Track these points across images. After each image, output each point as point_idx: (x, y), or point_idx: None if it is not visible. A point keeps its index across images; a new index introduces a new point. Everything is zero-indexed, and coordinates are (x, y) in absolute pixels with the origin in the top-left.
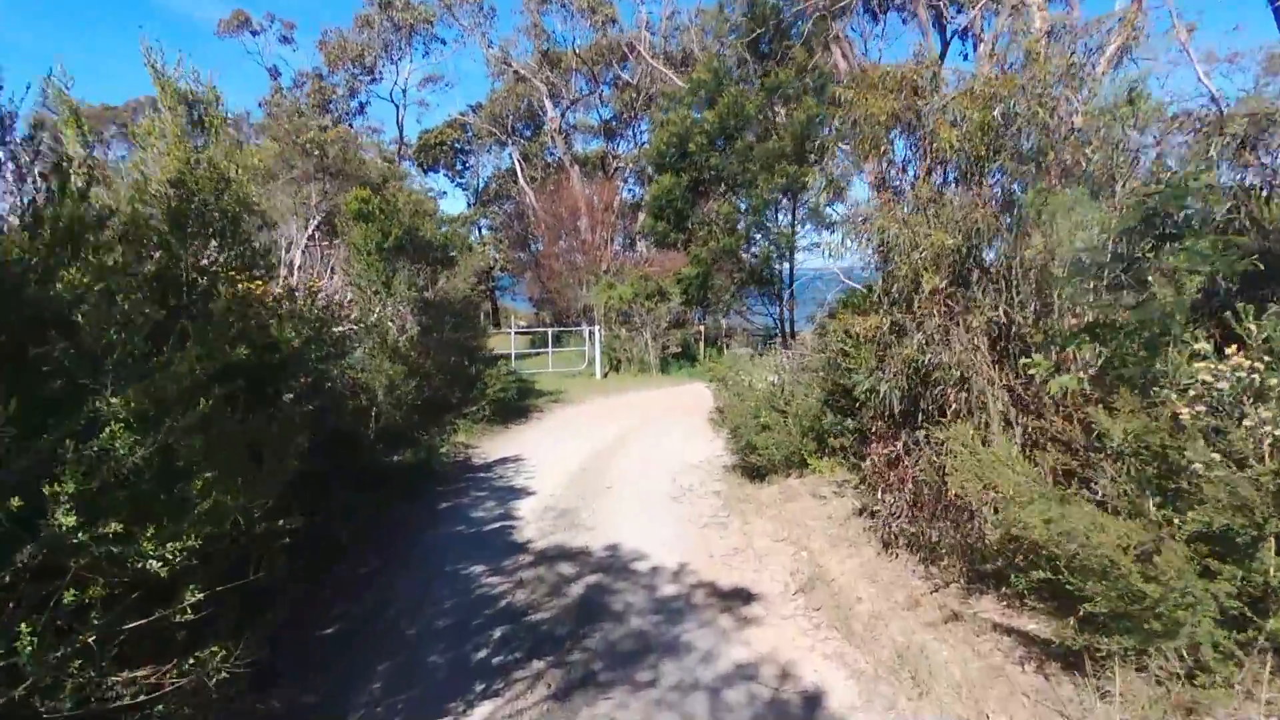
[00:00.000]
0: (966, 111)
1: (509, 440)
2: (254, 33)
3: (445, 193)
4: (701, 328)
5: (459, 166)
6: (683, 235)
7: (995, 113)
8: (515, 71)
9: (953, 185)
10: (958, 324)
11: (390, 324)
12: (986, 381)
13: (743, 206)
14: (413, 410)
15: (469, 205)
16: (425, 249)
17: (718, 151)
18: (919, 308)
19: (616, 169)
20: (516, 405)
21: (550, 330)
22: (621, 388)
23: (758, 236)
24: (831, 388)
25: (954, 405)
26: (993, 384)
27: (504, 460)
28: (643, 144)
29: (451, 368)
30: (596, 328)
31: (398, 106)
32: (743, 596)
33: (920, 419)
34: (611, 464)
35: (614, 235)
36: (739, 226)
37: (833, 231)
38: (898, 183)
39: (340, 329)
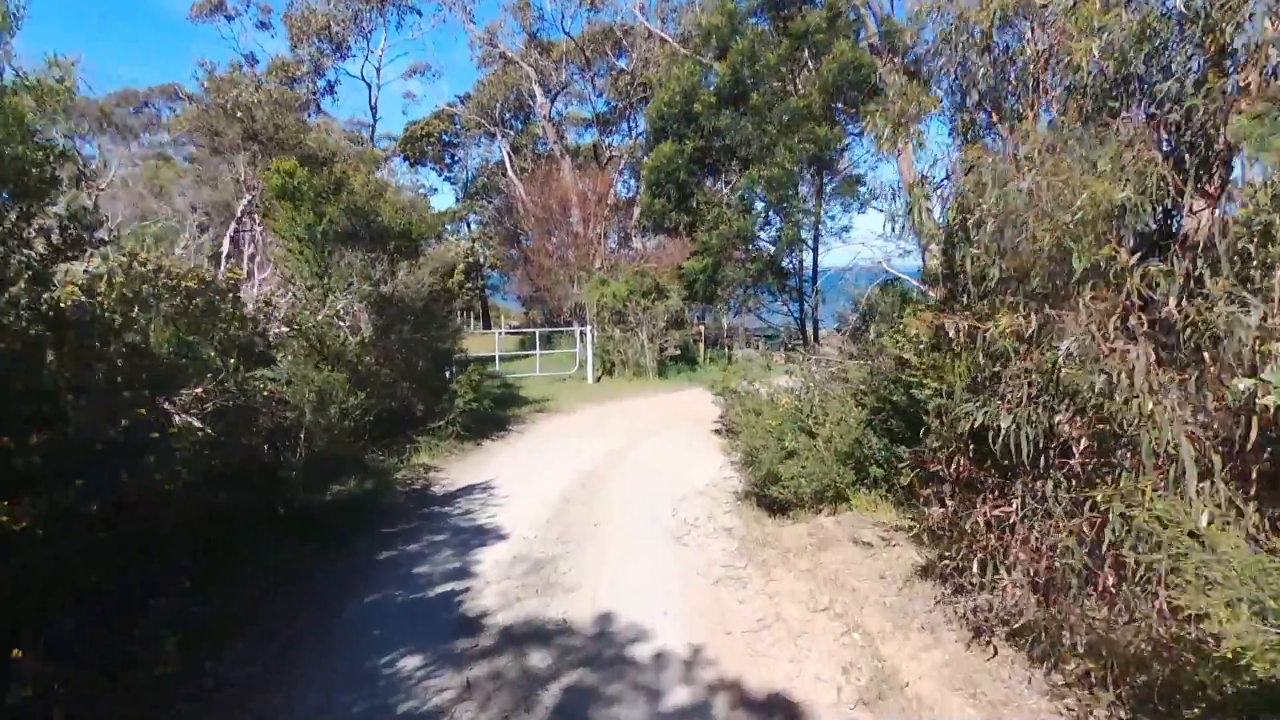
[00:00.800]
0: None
1: (481, 461)
2: (228, 18)
3: (436, 189)
4: (701, 328)
5: (447, 160)
6: (685, 217)
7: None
8: (502, 54)
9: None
10: (1130, 324)
11: (339, 324)
12: (1179, 411)
13: (750, 193)
14: (360, 429)
15: (457, 200)
16: (382, 236)
17: (730, 113)
18: (1066, 298)
19: (611, 159)
20: (495, 416)
21: (538, 331)
22: (615, 394)
23: (776, 219)
24: (877, 404)
25: (1121, 448)
26: (1183, 416)
27: (471, 489)
28: (639, 135)
29: (416, 375)
30: (588, 328)
31: (370, 85)
32: (782, 710)
33: (1046, 462)
34: (601, 491)
35: (608, 230)
36: (754, 208)
37: (863, 209)
38: (988, 122)
39: (259, 327)
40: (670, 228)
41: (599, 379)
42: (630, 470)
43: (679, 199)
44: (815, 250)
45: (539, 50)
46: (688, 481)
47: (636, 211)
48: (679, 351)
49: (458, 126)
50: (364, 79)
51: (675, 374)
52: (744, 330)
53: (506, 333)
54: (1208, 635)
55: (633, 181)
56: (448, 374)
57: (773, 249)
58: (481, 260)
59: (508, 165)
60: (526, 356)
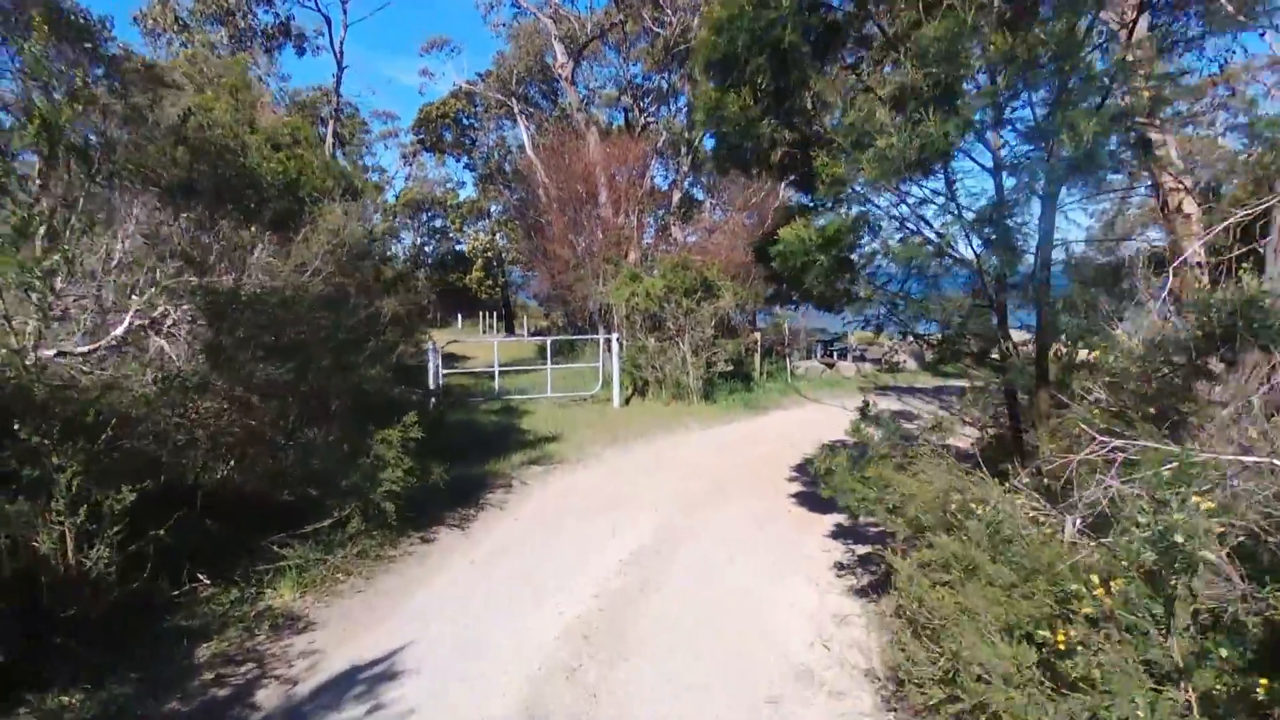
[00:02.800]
0: None
1: (399, 595)
2: None
3: (464, 182)
4: (758, 335)
5: (466, 143)
6: (786, 131)
7: None
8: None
9: None
10: None
11: (121, 353)
12: None
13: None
14: (144, 557)
15: (475, 188)
16: (241, 190)
17: None
18: None
19: (646, 128)
20: (463, 481)
21: (549, 340)
22: (647, 427)
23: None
24: None
25: None
26: None
27: (334, 690)
28: (679, 109)
29: (288, 430)
30: (615, 336)
31: (327, 19)
32: None
33: None
34: (614, 686)
35: (644, 214)
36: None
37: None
38: None
39: None
40: (752, 157)
41: (627, 401)
42: (668, 611)
43: (774, 94)
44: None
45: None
46: (775, 642)
47: (676, 196)
48: (731, 366)
49: (478, 108)
50: (319, 9)
51: (726, 396)
52: (805, 334)
53: (505, 339)
54: None
55: (669, 169)
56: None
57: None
58: (503, 255)
59: (526, 143)
60: (537, 370)
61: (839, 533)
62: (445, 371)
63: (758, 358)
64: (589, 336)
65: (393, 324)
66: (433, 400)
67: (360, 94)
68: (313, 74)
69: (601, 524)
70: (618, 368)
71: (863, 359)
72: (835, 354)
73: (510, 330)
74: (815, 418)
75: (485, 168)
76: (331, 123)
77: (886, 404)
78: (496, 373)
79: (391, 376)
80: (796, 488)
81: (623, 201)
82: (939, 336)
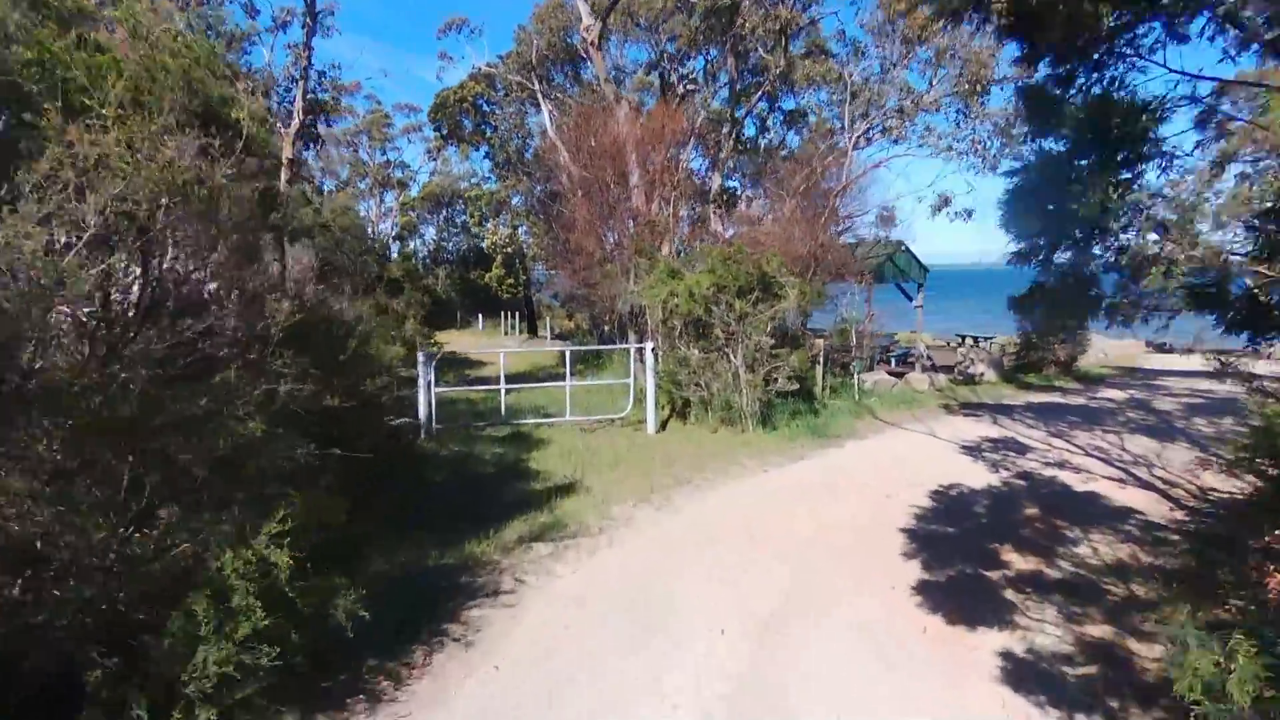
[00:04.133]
0: None
1: None
2: None
3: (489, 177)
4: (820, 342)
5: (487, 131)
6: None
7: None
8: None
9: None
10: None
11: None
12: None
13: None
14: None
15: (496, 179)
16: None
17: None
18: None
19: (684, 99)
20: (415, 582)
21: (568, 350)
22: (692, 466)
23: None
24: None
25: None
26: None
27: None
28: (719, 87)
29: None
30: (649, 345)
31: None
32: None
33: None
34: None
35: (680, 199)
36: None
37: None
38: None
39: None
40: None
41: (664, 425)
42: None
43: None
44: None
45: None
46: None
47: (715, 183)
48: (795, 385)
49: (499, 92)
50: None
51: (787, 421)
52: (870, 340)
53: (526, 343)
54: None
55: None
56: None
57: None
58: (525, 250)
59: (548, 124)
60: (553, 386)
61: (1015, 671)
62: (442, 391)
63: (819, 370)
64: (616, 346)
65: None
66: (415, 432)
67: (372, 76)
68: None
69: (634, 674)
70: (652, 384)
71: (934, 368)
72: (899, 360)
73: (533, 332)
74: (903, 451)
75: (503, 153)
76: (300, 86)
77: (982, 429)
78: (503, 391)
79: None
80: (916, 572)
81: (657, 185)
82: (1017, 341)
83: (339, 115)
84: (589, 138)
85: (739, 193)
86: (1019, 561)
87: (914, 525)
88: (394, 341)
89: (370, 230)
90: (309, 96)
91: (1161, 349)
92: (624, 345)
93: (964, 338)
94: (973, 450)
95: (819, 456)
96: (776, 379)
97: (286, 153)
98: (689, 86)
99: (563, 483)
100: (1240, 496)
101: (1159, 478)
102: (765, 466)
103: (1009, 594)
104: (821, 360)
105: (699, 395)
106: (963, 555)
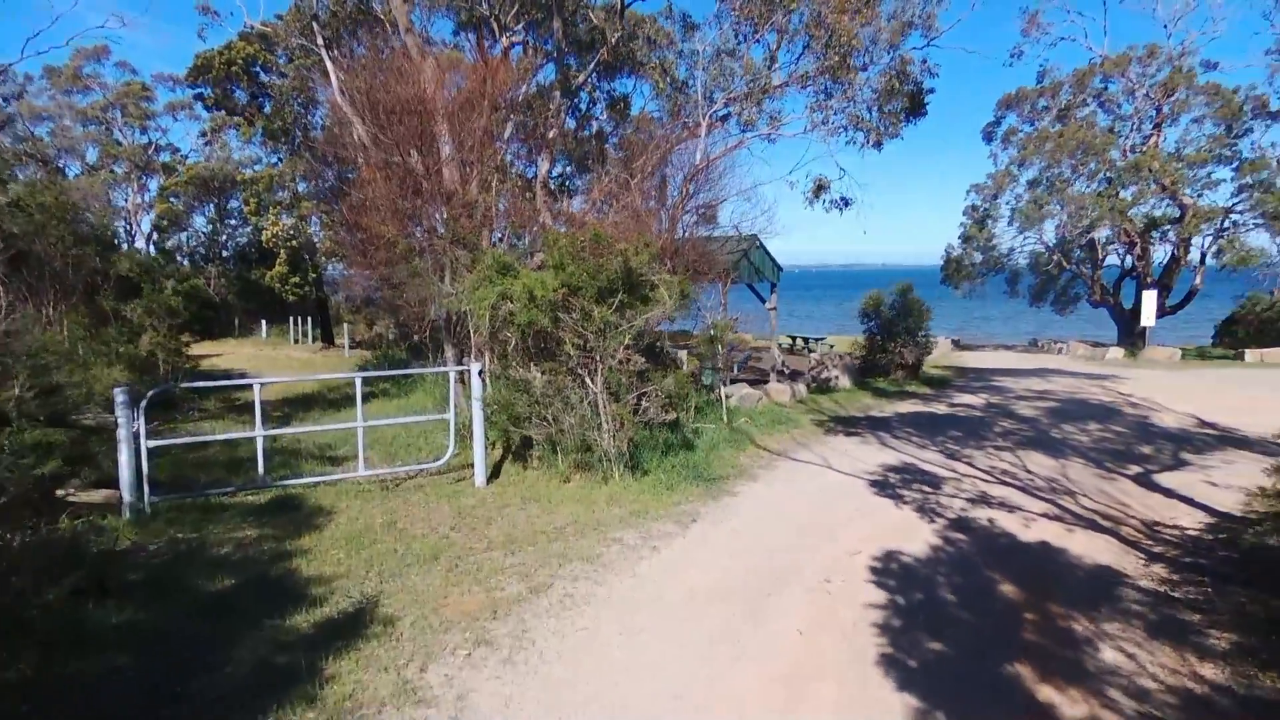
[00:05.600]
0: None
1: None
2: None
3: (276, 162)
4: (683, 355)
5: (265, 104)
6: None
7: None
8: None
9: None
10: None
11: None
12: None
13: None
14: None
15: (275, 156)
16: None
17: None
18: None
19: (509, 52)
20: None
21: (359, 376)
22: (548, 558)
23: None
24: None
25: None
26: None
27: None
28: (545, 60)
29: None
30: (474, 367)
31: None
32: None
33: None
34: None
35: (506, 180)
36: None
37: None
38: None
39: None
40: None
41: (496, 472)
42: None
43: None
44: None
45: None
46: None
47: (544, 166)
48: (671, 415)
49: (281, 59)
50: None
51: (661, 461)
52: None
53: (322, 352)
54: None
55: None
56: None
57: None
58: (315, 244)
59: (335, 88)
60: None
61: None
62: (158, 445)
63: (689, 391)
64: (430, 366)
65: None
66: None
67: (107, 25)
68: None
69: None
70: (480, 418)
71: (790, 375)
72: (741, 367)
73: (329, 341)
74: (810, 498)
75: (278, 122)
76: None
77: (874, 454)
78: (260, 441)
79: None
80: None
81: (475, 163)
82: (863, 341)
83: (82, 87)
84: (386, 90)
85: (573, 179)
86: (1062, 702)
87: (888, 646)
88: (114, 363)
89: (127, 222)
90: None
91: (961, 345)
92: (441, 366)
93: (794, 339)
94: (883, 488)
95: (715, 516)
96: (648, 408)
97: None
98: (511, 39)
99: (349, 608)
100: (1199, 533)
101: (1093, 511)
102: (649, 540)
103: None
104: (700, 377)
105: (545, 432)
106: (985, 698)
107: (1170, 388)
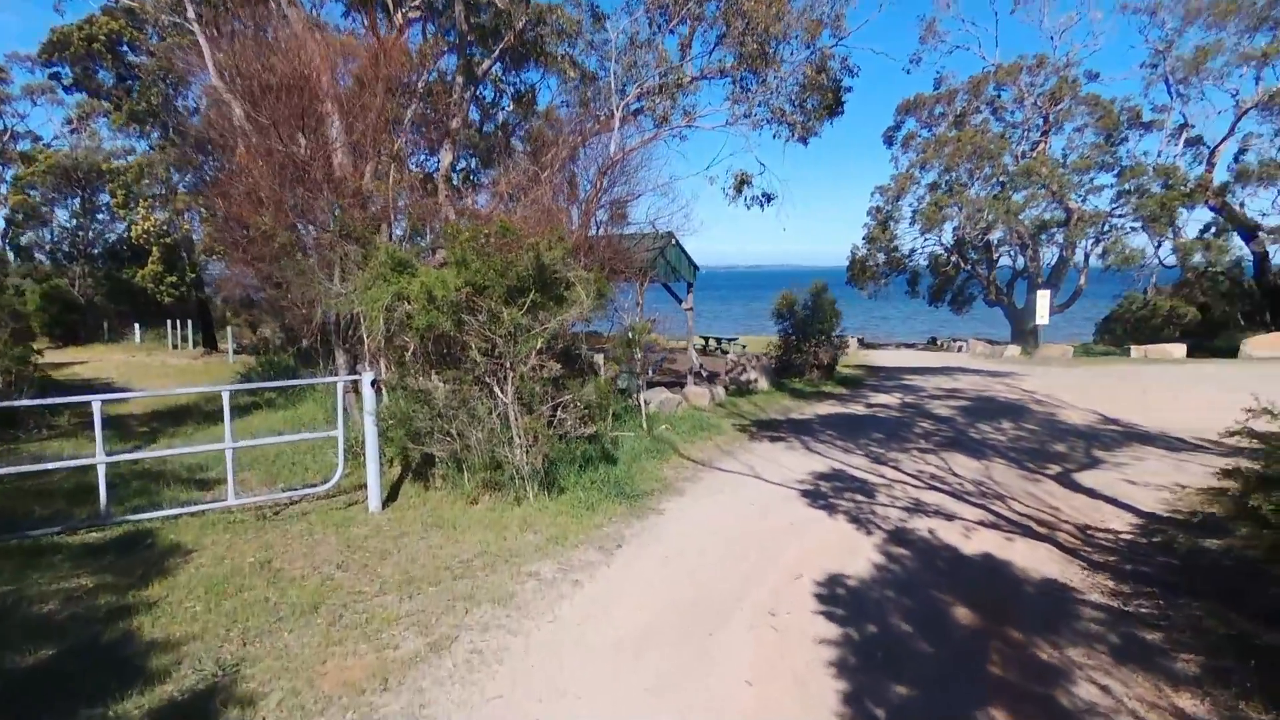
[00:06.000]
0: None
1: None
2: None
3: (151, 147)
4: (600, 359)
5: (133, 86)
6: None
7: None
8: None
9: None
10: None
11: None
12: None
13: None
14: None
15: (145, 144)
16: None
17: None
18: None
19: (407, 28)
20: None
21: (227, 390)
22: (454, 601)
23: None
24: None
25: None
26: None
27: None
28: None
29: None
30: (366, 377)
31: None
32: None
33: None
34: None
35: (403, 161)
36: None
37: None
38: None
39: None
40: None
41: (394, 494)
42: None
43: None
44: None
45: None
46: None
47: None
48: (591, 428)
49: (153, 38)
50: None
51: (576, 476)
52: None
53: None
54: None
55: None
56: None
57: None
58: (193, 240)
59: (210, 67)
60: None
61: None
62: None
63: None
64: (310, 381)
65: None
66: None
67: None
68: None
69: None
70: (374, 435)
71: (708, 377)
72: (655, 369)
73: (212, 346)
74: (741, 514)
75: (146, 101)
76: None
77: (801, 460)
78: (101, 468)
79: None
80: None
81: (371, 149)
82: (778, 341)
83: None
84: (267, 73)
85: (479, 174)
86: None
87: (848, 691)
88: None
89: None
90: None
91: (865, 344)
92: (332, 374)
93: (706, 339)
94: (815, 498)
95: (642, 539)
96: (565, 419)
97: None
98: (408, 14)
99: (199, 684)
100: (1133, 537)
101: (1026, 516)
102: (570, 572)
103: None
104: (615, 384)
105: (449, 449)
106: None
107: (1069, 385)
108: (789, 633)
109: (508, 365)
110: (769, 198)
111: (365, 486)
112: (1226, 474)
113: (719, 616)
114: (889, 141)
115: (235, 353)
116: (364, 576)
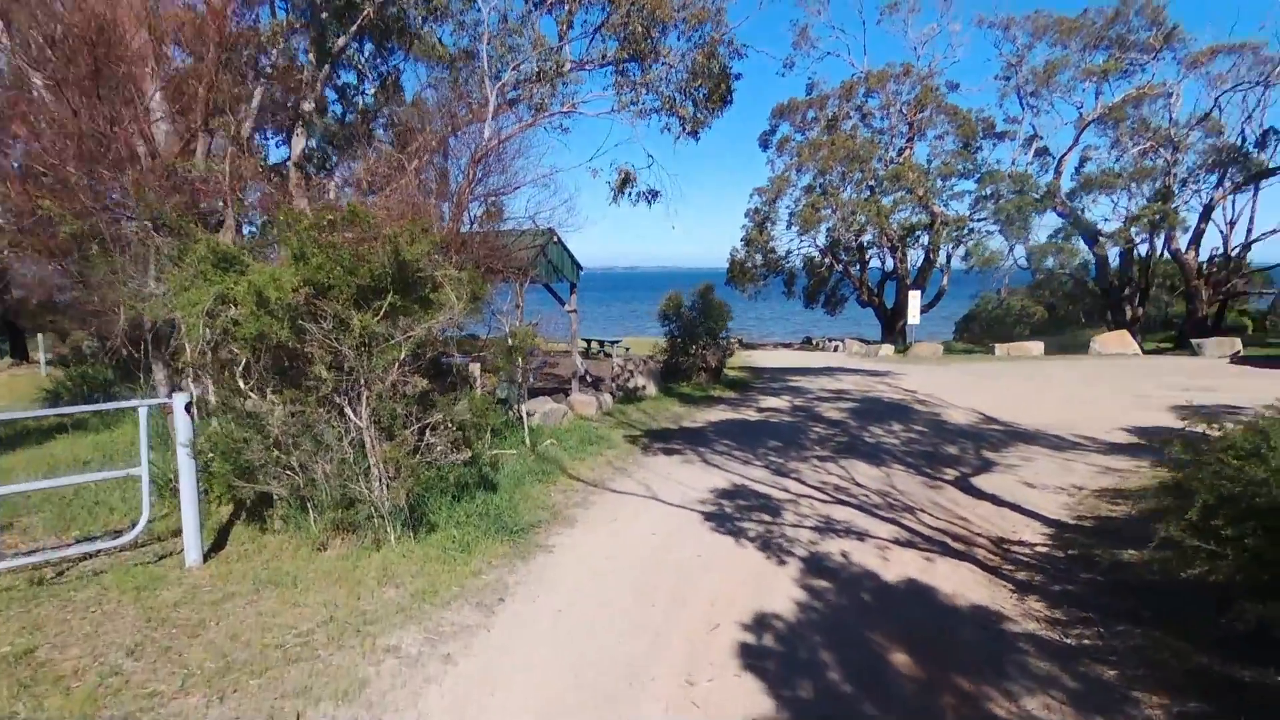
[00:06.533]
0: None
1: None
2: None
3: None
4: (476, 369)
5: None
6: None
7: None
8: None
9: None
10: None
11: None
12: None
13: None
14: None
15: None
16: None
17: None
18: None
19: None
20: None
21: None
22: (292, 698)
23: None
24: None
25: None
26: None
27: None
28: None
29: None
30: (178, 399)
31: None
32: None
33: None
34: None
35: (248, 144)
36: None
37: None
38: None
39: None
40: None
41: (223, 541)
42: None
43: None
44: None
45: None
46: None
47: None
48: (464, 453)
49: None
50: None
51: (453, 514)
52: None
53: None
54: None
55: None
56: None
57: None
58: None
59: None
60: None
61: None
62: None
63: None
64: (96, 407)
65: None
66: None
67: None
68: None
69: None
70: (190, 470)
71: (593, 383)
72: (537, 373)
73: (22, 357)
74: (643, 548)
75: None
76: None
77: (699, 476)
78: None
79: None
80: None
81: (203, 126)
82: (664, 344)
83: None
84: (52, 21)
85: (337, 167)
86: None
87: None
88: None
89: None
90: None
91: (745, 344)
92: (149, 393)
93: (589, 342)
94: (721, 521)
95: (530, 588)
96: (434, 444)
97: None
98: None
99: None
100: (1048, 549)
101: (938, 530)
102: (440, 643)
103: None
104: (511, 398)
105: (289, 483)
106: None
107: (946, 384)
108: (713, 708)
109: (362, 382)
110: (655, 194)
111: (178, 538)
112: (1165, 488)
113: (629, 692)
114: (764, 145)
115: (48, 364)
116: (164, 667)
